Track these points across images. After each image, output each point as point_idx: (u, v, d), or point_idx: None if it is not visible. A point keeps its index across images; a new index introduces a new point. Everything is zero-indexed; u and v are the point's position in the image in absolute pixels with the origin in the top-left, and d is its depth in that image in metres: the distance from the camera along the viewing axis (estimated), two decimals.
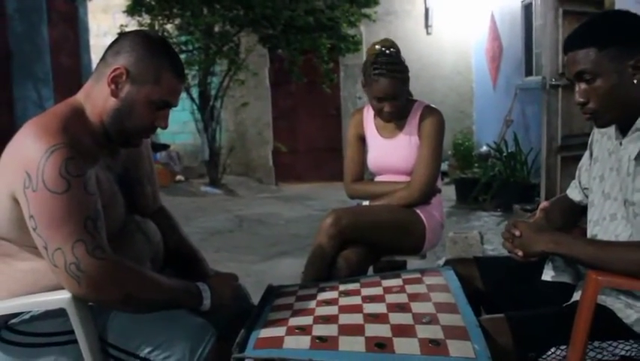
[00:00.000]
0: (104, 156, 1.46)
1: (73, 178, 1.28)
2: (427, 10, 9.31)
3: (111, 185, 1.46)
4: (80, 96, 1.47)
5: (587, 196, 1.64)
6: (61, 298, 1.32)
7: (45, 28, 6.20)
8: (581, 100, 1.42)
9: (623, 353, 1.40)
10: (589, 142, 1.65)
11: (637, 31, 1.37)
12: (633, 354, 1.40)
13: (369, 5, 8.08)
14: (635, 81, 1.35)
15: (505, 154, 6.33)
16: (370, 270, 2.25)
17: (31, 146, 1.29)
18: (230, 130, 9.45)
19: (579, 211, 1.71)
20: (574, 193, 1.73)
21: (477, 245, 3.87)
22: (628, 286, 1.34)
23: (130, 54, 1.42)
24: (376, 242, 2.15)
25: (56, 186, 1.27)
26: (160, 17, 7.72)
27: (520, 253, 1.48)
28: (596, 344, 1.39)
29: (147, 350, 1.36)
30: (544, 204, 1.69)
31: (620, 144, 1.45)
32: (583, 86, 1.40)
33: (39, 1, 6.11)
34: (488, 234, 4.79)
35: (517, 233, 1.48)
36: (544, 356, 1.41)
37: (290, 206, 7.11)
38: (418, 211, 2.24)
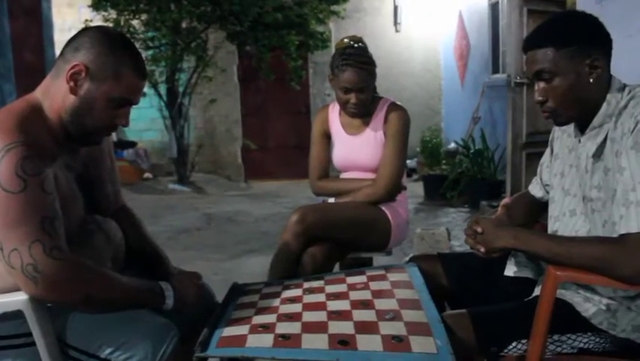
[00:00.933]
0: (63, 154, 1.43)
1: (29, 177, 1.26)
2: (395, 8, 9.36)
3: (70, 184, 1.43)
4: (38, 93, 1.43)
5: (548, 192, 1.67)
6: (17, 299, 1.29)
7: (6, 21, 6.03)
8: (540, 98, 1.44)
9: (581, 345, 1.43)
10: (550, 139, 1.68)
11: (593, 31, 1.39)
12: (591, 346, 1.43)
13: (337, 2, 8.10)
14: (591, 80, 1.38)
15: (472, 151, 6.40)
16: (337, 267, 2.25)
17: None
18: (198, 127, 9.37)
19: (540, 207, 1.74)
20: (535, 189, 1.76)
21: (444, 241, 3.90)
22: (586, 280, 1.37)
23: (89, 50, 1.38)
24: (342, 239, 2.15)
25: (12, 185, 1.24)
26: (126, 12, 7.62)
27: (482, 250, 1.50)
28: (556, 337, 1.42)
29: (108, 350, 1.33)
30: (505, 200, 1.72)
31: (579, 141, 1.48)
32: (542, 84, 1.43)
33: None
34: (455, 230, 4.84)
35: (479, 230, 1.50)
36: (505, 351, 1.44)
37: (259, 203, 7.08)
38: (384, 208, 2.25)
